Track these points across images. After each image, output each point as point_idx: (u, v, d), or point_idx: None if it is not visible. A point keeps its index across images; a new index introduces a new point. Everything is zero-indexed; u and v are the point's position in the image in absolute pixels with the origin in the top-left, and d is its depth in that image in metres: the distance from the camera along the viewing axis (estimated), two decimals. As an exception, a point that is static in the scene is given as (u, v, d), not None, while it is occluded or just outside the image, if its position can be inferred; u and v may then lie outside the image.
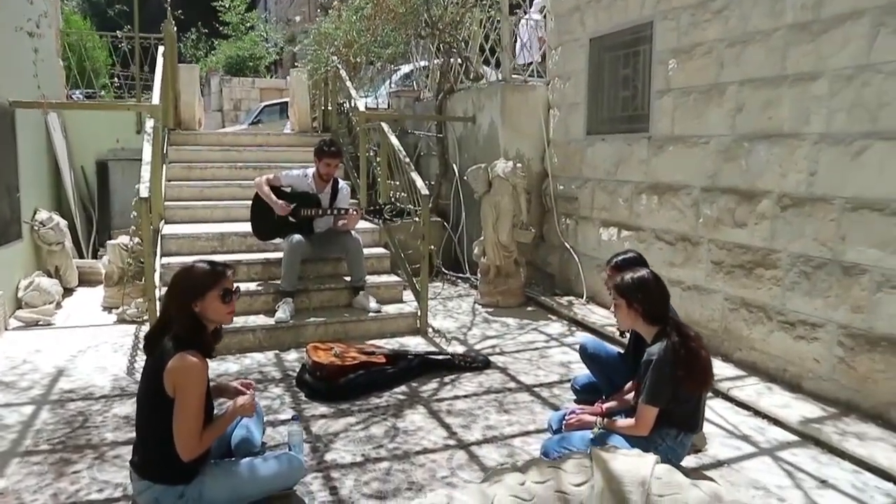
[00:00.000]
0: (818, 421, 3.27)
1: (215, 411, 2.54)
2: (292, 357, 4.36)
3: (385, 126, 5.57)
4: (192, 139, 7.27)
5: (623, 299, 2.71)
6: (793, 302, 3.70)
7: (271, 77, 20.88)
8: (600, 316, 5.19)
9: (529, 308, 5.78)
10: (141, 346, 4.08)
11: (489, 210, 5.74)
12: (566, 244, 5.95)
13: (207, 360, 2.38)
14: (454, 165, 6.96)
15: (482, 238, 5.94)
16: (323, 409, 3.51)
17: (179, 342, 2.32)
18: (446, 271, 6.90)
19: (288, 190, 4.93)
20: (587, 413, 2.92)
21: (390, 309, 4.98)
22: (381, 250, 5.64)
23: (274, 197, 4.78)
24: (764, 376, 3.87)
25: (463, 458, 2.96)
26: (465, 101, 6.95)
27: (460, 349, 4.56)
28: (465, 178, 5.83)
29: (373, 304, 4.89)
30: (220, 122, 16.08)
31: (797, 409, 3.42)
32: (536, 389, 3.82)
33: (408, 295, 5.36)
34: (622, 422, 2.76)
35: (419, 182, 4.90)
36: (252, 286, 4.85)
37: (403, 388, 3.83)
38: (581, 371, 4.11)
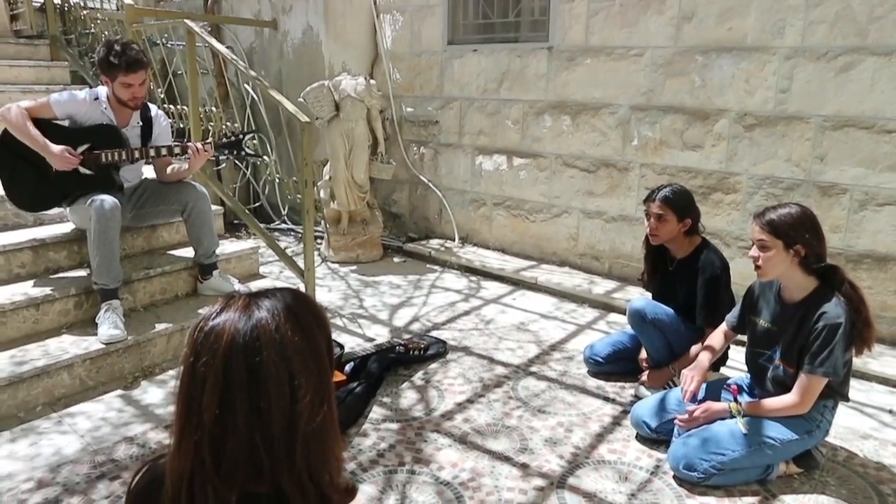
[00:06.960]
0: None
1: None
2: (157, 397, 2.75)
3: (195, 26, 3.77)
4: None
5: (780, 240, 2.11)
6: (759, 227, 3.55)
7: None
8: (496, 259, 4.53)
9: (397, 259, 4.81)
10: None
11: (339, 140, 4.49)
12: (422, 178, 5.05)
13: None
14: (245, 87, 5.30)
15: (327, 177, 4.68)
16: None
17: None
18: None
19: (66, 123, 3.02)
20: (703, 396, 2.34)
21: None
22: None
23: (40, 138, 2.84)
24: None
25: (580, 504, 2.11)
26: (254, 1, 5.28)
27: (383, 332, 3.47)
28: (302, 99, 4.42)
29: (238, 287, 3.41)
30: None
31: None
32: (534, 369, 3.05)
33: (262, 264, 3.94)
34: (772, 401, 2.22)
35: (289, 105, 3.42)
36: (29, 288, 2.93)
37: (378, 409, 2.70)
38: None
